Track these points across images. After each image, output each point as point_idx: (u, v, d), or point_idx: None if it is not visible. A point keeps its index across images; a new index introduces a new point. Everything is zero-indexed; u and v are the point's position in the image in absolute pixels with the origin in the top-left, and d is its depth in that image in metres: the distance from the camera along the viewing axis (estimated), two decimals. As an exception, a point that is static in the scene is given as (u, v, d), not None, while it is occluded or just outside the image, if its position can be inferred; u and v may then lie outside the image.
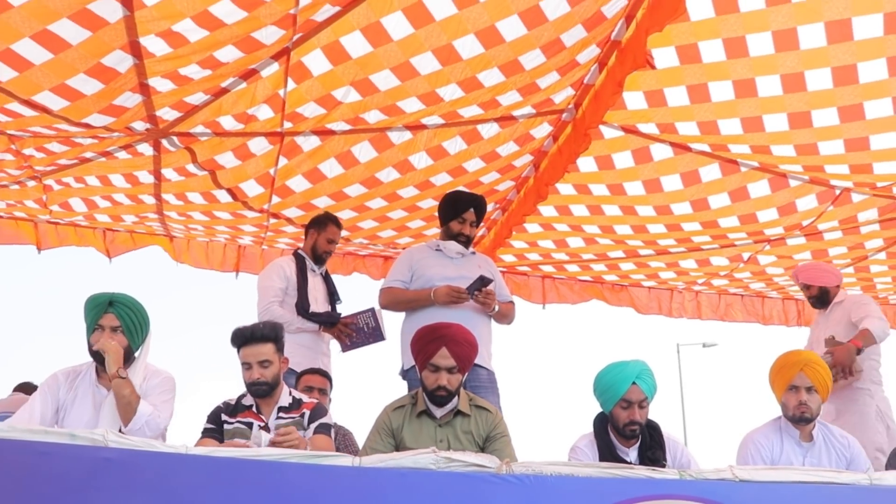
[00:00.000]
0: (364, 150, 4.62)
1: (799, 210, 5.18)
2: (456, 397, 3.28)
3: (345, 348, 4.67)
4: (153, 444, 2.46)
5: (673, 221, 5.37)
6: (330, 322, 4.60)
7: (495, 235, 5.96)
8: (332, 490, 2.39)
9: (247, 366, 3.37)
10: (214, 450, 2.56)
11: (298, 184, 4.99)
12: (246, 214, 5.52)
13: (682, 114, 4.12)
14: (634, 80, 3.83)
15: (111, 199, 5.60)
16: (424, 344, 3.28)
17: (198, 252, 6.53)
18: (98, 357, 3.32)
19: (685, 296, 7.18)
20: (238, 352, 3.40)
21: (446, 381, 3.22)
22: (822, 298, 5.05)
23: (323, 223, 4.82)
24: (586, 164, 4.79)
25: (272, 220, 5.61)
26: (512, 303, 4.35)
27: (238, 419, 3.36)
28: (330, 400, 4.27)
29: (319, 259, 4.82)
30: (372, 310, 4.54)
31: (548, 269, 6.69)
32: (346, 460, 2.44)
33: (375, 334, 4.62)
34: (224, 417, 3.36)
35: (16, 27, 3.27)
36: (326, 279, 4.90)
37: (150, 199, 5.48)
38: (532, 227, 5.76)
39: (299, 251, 4.86)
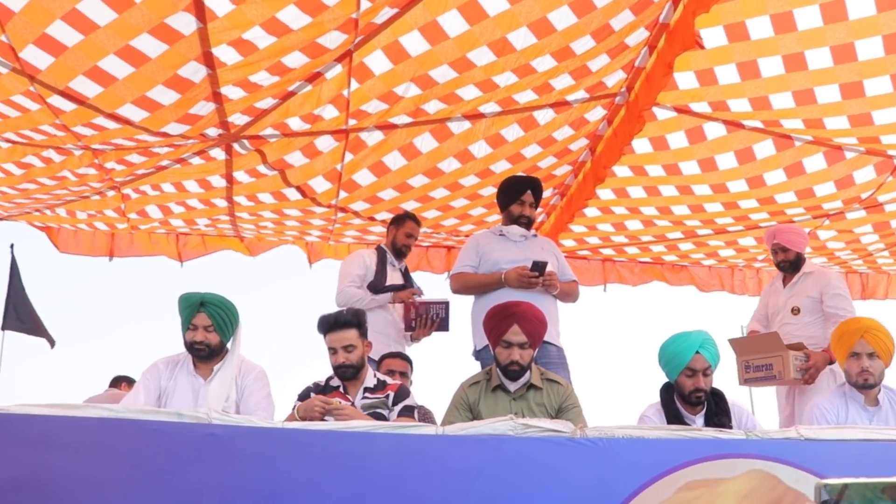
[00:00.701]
0: (425, 142, 4.79)
1: (857, 182, 5.18)
2: (528, 371, 3.44)
3: (407, 325, 4.77)
4: (252, 420, 2.65)
5: (730, 199, 5.43)
6: (402, 288, 4.78)
7: (556, 220, 6.08)
8: (417, 457, 2.56)
9: (332, 350, 3.60)
10: (308, 424, 2.77)
11: (364, 178, 5.19)
12: (314, 210, 5.74)
13: (734, 91, 4.20)
14: (685, 61, 3.93)
15: (185, 205, 5.87)
16: (497, 322, 3.44)
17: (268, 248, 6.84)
18: (193, 351, 3.61)
19: (746, 273, 7.20)
20: (324, 338, 3.64)
21: (518, 356, 3.38)
22: (795, 264, 4.86)
23: (402, 220, 5.05)
24: (641, 145, 4.90)
25: (339, 214, 5.82)
26: (575, 282, 4.47)
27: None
28: (411, 382, 4.45)
29: (399, 253, 5.01)
30: (447, 303, 4.71)
31: (608, 251, 6.80)
32: (429, 429, 2.62)
33: (442, 325, 4.79)
34: (313, 396, 3.57)
35: (101, 45, 3.52)
36: (406, 276, 5.08)
37: (221, 203, 5.74)
38: (591, 211, 5.87)
39: (381, 245, 5.08)
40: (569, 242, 6.55)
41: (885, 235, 6.22)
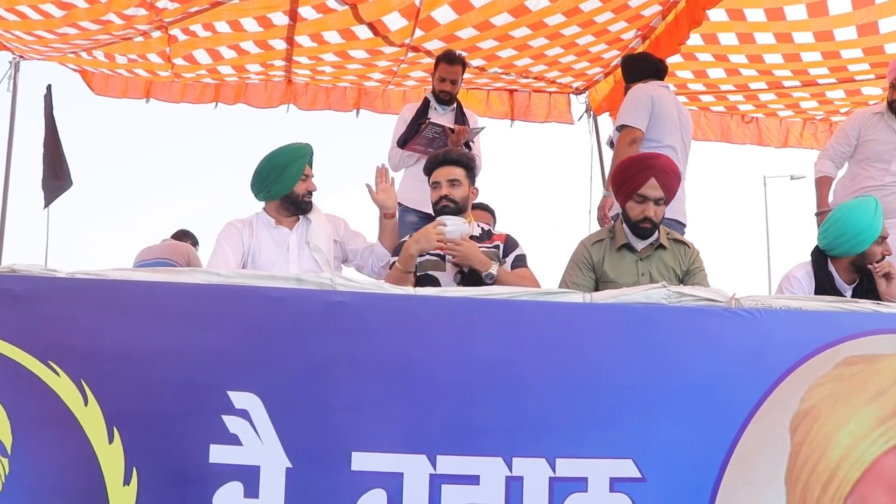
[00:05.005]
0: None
1: None
2: (657, 230, 3.24)
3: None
4: (381, 285, 2.42)
5: (831, 49, 4.97)
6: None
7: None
8: (563, 326, 2.37)
9: (436, 185, 3.38)
10: (444, 290, 2.58)
11: (444, 14, 4.81)
12: (383, 50, 5.37)
13: None
14: None
15: (238, 48, 5.49)
16: (633, 174, 3.19)
17: (314, 93, 6.47)
18: (303, 204, 3.45)
19: (818, 126, 6.77)
20: (429, 178, 3.43)
21: (653, 212, 3.16)
22: None
23: (436, 63, 4.74)
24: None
25: (410, 54, 5.44)
26: None
27: (430, 251, 3.29)
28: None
29: (440, 99, 4.73)
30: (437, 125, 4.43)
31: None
32: (576, 297, 2.43)
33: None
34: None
35: None
36: (460, 121, 4.73)
37: (280, 44, 5.38)
38: (672, 58, 5.43)
39: (427, 93, 4.82)
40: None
41: None
